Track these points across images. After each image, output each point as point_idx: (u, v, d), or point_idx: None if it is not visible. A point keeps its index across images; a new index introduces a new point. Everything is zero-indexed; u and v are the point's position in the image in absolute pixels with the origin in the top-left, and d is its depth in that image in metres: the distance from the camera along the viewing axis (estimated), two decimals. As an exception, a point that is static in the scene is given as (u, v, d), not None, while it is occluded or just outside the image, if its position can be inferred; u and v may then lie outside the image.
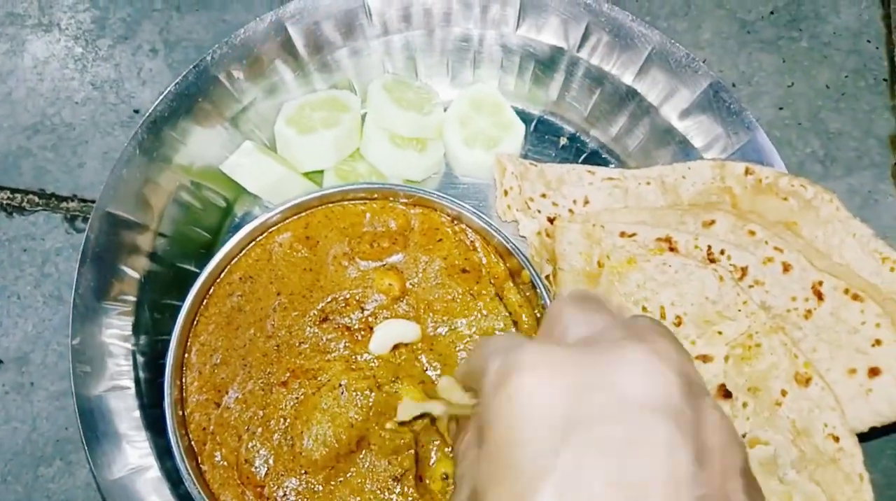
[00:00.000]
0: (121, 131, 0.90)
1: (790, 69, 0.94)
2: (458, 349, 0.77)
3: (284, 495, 0.72)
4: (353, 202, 0.81)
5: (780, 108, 0.92)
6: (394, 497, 0.73)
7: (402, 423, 0.70)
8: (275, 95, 0.85)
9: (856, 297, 0.69)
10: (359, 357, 0.76)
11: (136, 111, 0.90)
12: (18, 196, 0.87)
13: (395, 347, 0.75)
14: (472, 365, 0.46)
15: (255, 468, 0.73)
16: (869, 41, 0.95)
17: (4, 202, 0.87)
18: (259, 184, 0.80)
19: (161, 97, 0.79)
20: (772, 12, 0.96)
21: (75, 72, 0.91)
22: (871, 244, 0.71)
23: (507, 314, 0.77)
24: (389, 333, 0.75)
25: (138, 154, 0.79)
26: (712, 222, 0.79)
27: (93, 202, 0.87)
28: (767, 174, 0.77)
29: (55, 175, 0.88)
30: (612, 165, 0.88)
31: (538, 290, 0.77)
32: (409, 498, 0.73)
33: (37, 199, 0.87)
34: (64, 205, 0.87)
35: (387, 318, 0.77)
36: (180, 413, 0.74)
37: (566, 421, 0.36)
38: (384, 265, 0.79)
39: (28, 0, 0.93)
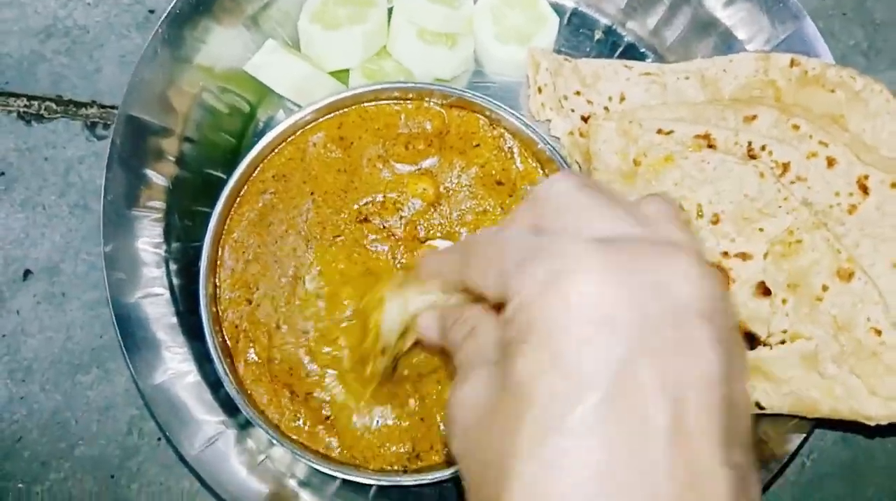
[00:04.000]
0: (137, 33, 0.86)
1: (836, -43, 0.89)
2: None
3: (311, 392, 0.73)
4: (387, 102, 0.78)
5: (824, -1, 0.88)
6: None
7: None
8: (297, -8, 0.81)
9: (905, 190, 0.67)
10: (392, 261, 0.76)
11: (152, 11, 0.87)
12: (36, 103, 0.85)
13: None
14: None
15: (283, 366, 0.73)
16: (920, -75, 0.89)
17: (21, 110, 0.85)
18: (285, 83, 0.78)
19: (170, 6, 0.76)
20: None
21: (84, -29, 0.87)
22: (922, 135, 0.69)
23: None
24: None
25: (159, 54, 0.76)
26: (754, 117, 0.76)
27: (112, 108, 0.85)
28: (814, 65, 0.74)
29: (72, 80, 0.85)
30: (650, 60, 0.85)
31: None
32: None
33: (55, 106, 0.85)
34: (83, 111, 0.85)
35: (418, 225, 0.76)
36: (214, 311, 0.74)
37: (625, 326, 0.35)
38: (419, 169, 0.77)
39: None
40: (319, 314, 0.73)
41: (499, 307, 0.41)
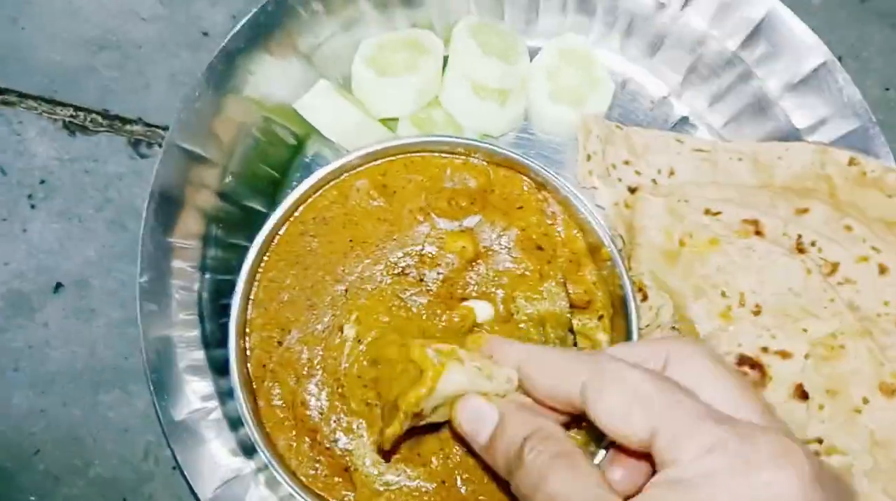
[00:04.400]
0: (188, 54, 0.85)
1: (905, 45, 0.87)
2: (515, 329, 0.75)
3: (336, 441, 0.73)
4: (433, 154, 0.77)
5: (887, 89, 0.86)
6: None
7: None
8: (353, 30, 0.80)
9: (956, 311, 0.66)
10: (428, 316, 0.75)
11: (205, 34, 0.86)
12: (81, 114, 0.84)
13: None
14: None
15: (310, 411, 0.73)
16: None
17: (67, 119, 0.84)
18: (333, 127, 0.77)
19: (237, 27, 0.75)
20: (893, -22, 0.88)
21: (143, -16, 0.86)
22: (980, 257, 0.67)
23: (566, 303, 0.75)
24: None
25: (210, 86, 0.75)
26: (806, 210, 0.75)
27: (158, 127, 0.84)
28: (874, 167, 0.72)
29: (120, 95, 0.85)
30: (703, 135, 0.83)
31: (617, 269, 0.74)
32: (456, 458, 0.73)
33: (100, 119, 0.84)
34: (128, 127, 0.84)
35: (455, 283, 0.75)
36: (243, 348, 0.73)
37: None
38: (460, 225, 0.76)
39: None
40: (356, 363, 0.73)
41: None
